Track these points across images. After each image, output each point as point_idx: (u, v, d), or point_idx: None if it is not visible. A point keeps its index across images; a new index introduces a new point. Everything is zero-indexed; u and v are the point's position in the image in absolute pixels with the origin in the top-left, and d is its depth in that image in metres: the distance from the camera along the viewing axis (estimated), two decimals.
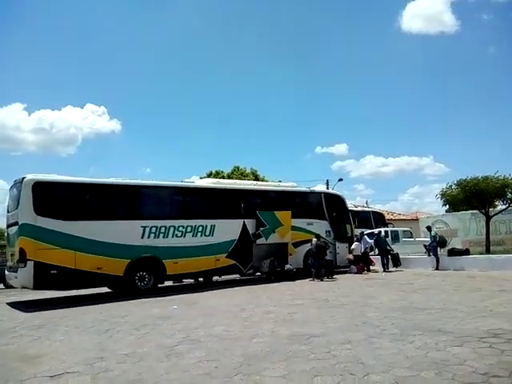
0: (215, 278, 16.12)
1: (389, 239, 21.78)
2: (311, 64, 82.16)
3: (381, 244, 17.43)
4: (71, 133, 78.63)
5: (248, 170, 36.18)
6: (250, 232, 15.16)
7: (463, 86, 78.83)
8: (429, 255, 17.01)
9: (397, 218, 38.20)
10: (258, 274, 15.70)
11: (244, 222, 15.07)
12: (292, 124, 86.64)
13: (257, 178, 32.96)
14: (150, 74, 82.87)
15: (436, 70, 76.98)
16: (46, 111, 77.58)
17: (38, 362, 5.74)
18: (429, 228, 17.53)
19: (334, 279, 14.91)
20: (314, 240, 15.15)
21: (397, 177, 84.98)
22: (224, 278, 16.44)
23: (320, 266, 14.70)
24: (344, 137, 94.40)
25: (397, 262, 17.21)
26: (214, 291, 12.98)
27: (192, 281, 16.34)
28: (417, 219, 41.16)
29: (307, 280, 14.94)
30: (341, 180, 28.21)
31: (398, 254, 17.53)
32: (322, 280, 14.49)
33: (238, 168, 35.96)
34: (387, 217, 32.60)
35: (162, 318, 8.73)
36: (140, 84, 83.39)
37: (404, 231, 23.53)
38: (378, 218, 25.19)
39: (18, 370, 5.42)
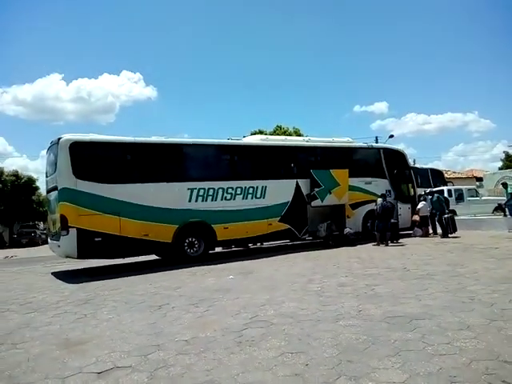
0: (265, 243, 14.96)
1: (452, 199, 20.02)
2: (348, 20, 77.77)
3: (440, 205, 15.34)
4: (109, 101, 79.05)
5: (291, 129, 34.42)
6: (304, 193, 13.82)
7: (507, 37, 72.63)
8: (504, 215, 15.17)
9: (451, 176, 35.68)
10: (310, 238, 14.38)
11: (297, 183, 13.73)
12: (330, 83, 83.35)
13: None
14: (184, 42, 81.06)
15: (480, 18, 71.17)
16: (84, 80, 78.01)
17: (82, 351, 4.72)
18: (505, 185, 15.54)
19: (400, 243, 13.45)
20: (379, 200, 13.64)
21: (440, 135, 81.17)
22: (274, 243, 15.25)
23: (385, 229, 13.24)
24: (384, 95, 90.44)
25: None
26: (269, 258, 11.84)
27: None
28: (473, 177, 38.73)
29: (370, 245, 13.57)
30: (392, 137, 26.01)
31: (452, 216, 14.99)
32: (387, 245, 13.07)
33: (280, 127, 34.22)
34: None
35: (220, 290, 7.66)
36: (174, 50, 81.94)
37: (469, 189, 21.44)
38: (437, 176, 23.13)
39: (60, 361, 4.42)
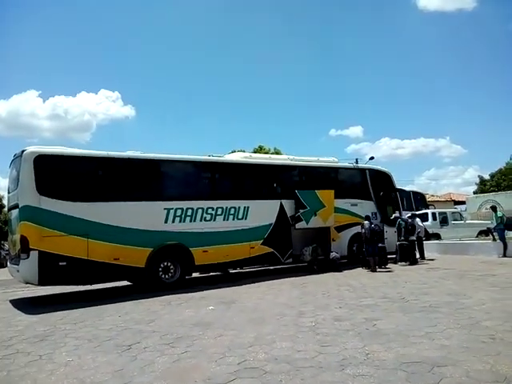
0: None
1: (436, 222, 19.61)
2: (324, 44, 79.09)
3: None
4: (86, 119, 77.48)
5: (272, 150, 33.80)
6: (289, 214, 13.04)
7: (481, 64, 75.14)
8: (494, 239, 14.70)
9: (429, 199, 35.58)
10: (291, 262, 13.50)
11: (281, 203, 12.95)
12: (305, 107, 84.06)
13: None
14: (163, 59, 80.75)
15: (453, 48, 73.52)
16: (61, 97, 76.28)
17: None
18: (494, 208, 15.06)
19: (388, 269, 12.74)
20: (366, 223, 12.95)
21: (413, 159, 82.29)
22: (255, 268, 14.32)
23: (373, 254, 12.53)
24: (358, 119, 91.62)
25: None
26: (252, 285, 10.92)
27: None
28: (451, 200, 38.83)
29: (356, 270, 12.85)
30: (372, 158, 25.55)
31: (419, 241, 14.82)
32: (374, 270, 12.33)
33: (261, 147, 33.58)
34: None
35: (199, 324, 6.73)
36: (153, 69, 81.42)
37: (453, 213, 21.10)
38: (420, 199, 22.78)
39: None
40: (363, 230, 12.83)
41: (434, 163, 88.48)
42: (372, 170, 15.62)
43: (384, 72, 78.04)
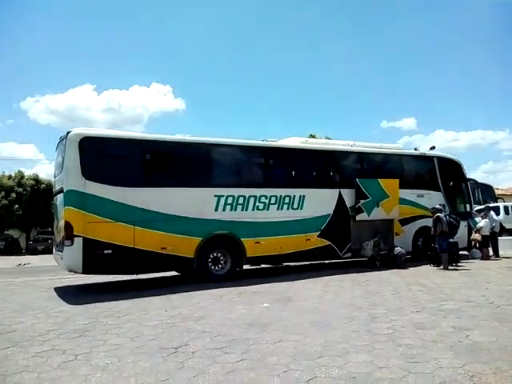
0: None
1: (508, 216, 17.81)
2: (378, 36, 76.08)
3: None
4: (138, 112, 79.15)
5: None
6: (348, 205, 11.94)
7: None
8: None
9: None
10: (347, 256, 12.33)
11: (340, 193, 11.86)
12: (357, 98, 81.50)
13: None
14: (214, 52, 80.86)
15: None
16: (115, 91, 78.37)
17: None
18: None
19: (462, 267, 11.38)
20: (441, 215, 11.53)
21: (469, 152, 77.75)
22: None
23: (447, 250, 11.16)
24: (412, 111, 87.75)
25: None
26: (307, 280, 9.94)
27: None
28: None
29: (423, 267, 11.59)
30: (433, 148, 23.78)
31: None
32: (446, 268, 11.02)
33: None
34: None
35: (255, 325, 5.87)
36: (204, 62, 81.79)
37: None
38: (487, 191, 20.83)
39: None
40: (439, 224, 11.34)
41: (492, 156, 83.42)
42: (441, 158, 14.13)
43: (438, 62, 74.19)
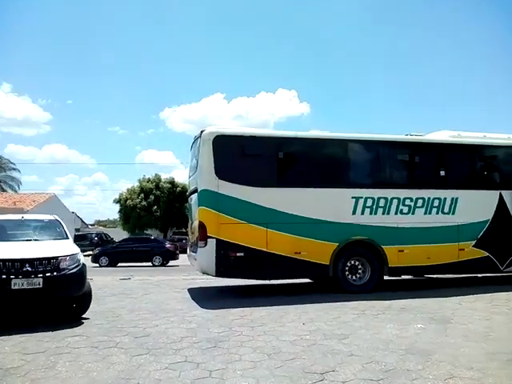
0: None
1: None
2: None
3: None
4: (264, 118, 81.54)
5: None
6: (511, 209, 10.05)
7: None
8: None
9: None
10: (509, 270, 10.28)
11: (501, 195, 10.03)
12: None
13: None
14: (337, 58, 79.57)
15: None
16: (243, 98, 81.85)
17: None
18: None
19: None
20: None
21: None
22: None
23: None
24: None
25: None
26: (463, 297, 8.45)
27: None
28: None
29: None
30: None
31: None
32: None
33: None
34: None
35: (413, 351, 4.85)
36: (325, 66, 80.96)
37: None
38: None
39: None
40: None
41: None
42: None
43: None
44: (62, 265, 6.41)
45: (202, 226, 8.52)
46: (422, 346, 5.07)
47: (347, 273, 9.21)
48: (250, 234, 8.58)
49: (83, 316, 6.89)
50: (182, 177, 39.56)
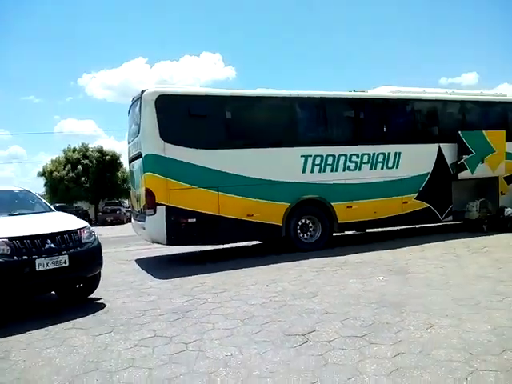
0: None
1: None
2: None
3: None
4: (189, 83, 79.25)
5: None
6: (449, 162, 10.50)
7: None
8: None
9: None
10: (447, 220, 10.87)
11: (440, 148, 10.42)
12: (412, 54, 76.42)
13: None
14: (264, 20, 78.25)
15: None
16: (166, 63, 78.56)
17: None
18: None
19: None
20: None
21: None
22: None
23: None
24: (473, 64, 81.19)
25: None
26: (411, 248, 8.79)
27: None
28: None
29: None
30: None
31: None
32: None
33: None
34: None
35: (385, 304, 4.90)
36: (252, 29, 79.62)
37: None
38: None
39: None
40: None
41: None
42: None
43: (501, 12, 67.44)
44: (84, 239, 5.63)
45: (149, 193, 8.03)
46: (391, 299, 5.13)
47: (299, 231, 9.21)
48: (201, 199, 8.24)
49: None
50: (105, 146, 37.29)
